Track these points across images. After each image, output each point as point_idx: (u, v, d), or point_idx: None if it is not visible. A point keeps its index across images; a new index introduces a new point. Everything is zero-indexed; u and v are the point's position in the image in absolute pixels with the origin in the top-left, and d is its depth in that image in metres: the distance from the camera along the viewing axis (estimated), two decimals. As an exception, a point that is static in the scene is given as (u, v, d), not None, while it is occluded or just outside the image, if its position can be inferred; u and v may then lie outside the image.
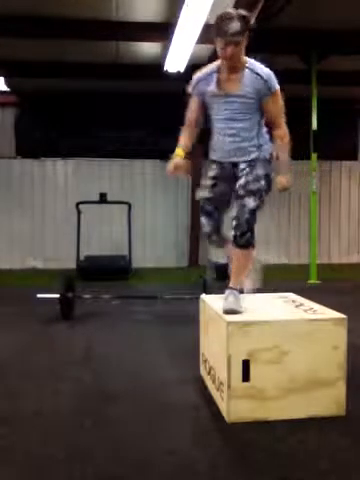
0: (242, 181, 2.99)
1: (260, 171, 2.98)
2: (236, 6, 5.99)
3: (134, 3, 6.21)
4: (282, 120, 3.02)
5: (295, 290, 3.60)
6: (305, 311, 2.91)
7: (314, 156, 7.78)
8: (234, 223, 2.95)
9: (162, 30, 6.58)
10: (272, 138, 3.07)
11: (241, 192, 2.97)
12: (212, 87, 2.95)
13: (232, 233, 2.97)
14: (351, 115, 10.86)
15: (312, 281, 7.92)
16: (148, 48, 7.58)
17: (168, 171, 3.10)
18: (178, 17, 5.70)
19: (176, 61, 7.19)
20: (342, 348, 2.73)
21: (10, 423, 2.71)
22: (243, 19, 2.72)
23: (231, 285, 3.04)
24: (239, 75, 2.88)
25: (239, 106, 2.93)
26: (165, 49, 7.10)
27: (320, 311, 2.91)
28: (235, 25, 2.70)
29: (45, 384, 3.31)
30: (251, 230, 2.96)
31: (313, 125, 7.77)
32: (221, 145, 3.08)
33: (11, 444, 2.46)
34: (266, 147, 3.06)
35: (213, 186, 3.16)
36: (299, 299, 3.29)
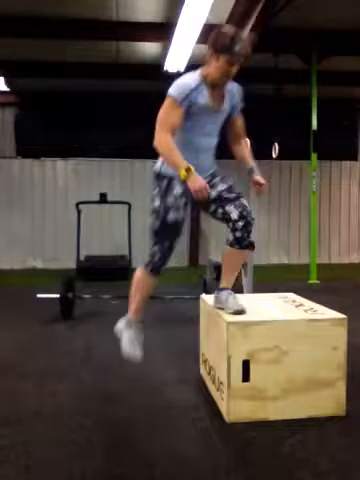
0: (224, 186, 2.92)
1: (229, 180, 2.98)
2: (236, 6, 6.00)
3: (134, 3, 6.21)
4: (244, 132, 3.08)
5: (295, 290, 3.60)
6: (305, 311, 2.91)
7: (314, 156, 7.78)
8: (241, 224, 2.81)
9: (162, 30, 6.58)
10: (237, 149, 3.07)
11: (231, 195, 2.88)
12: (205, 100, 2.77)
13: (238, 234, 2.83)
14: (351, 115, 10.87)
15: (312, 281, 7.91)
16: (148, 48, 7.58)
17: (202, 192, 2.66)
18: (178, 17, 5.70)
19: (176, 61, 7.18)
20: (342, 348, 2.73)
21: (10, 423, 2.71)
22: (248, 40, 2.88)
23: (228, 286, 3.01)
24: (222, 91, 2.85)
25: (220, 122, 2.92)
26: (165, 49, 7.09)
27: (320, 311, 2.91)
28: (249, 48, 2.72)
29: (45, 384, 3.31)
30: (250, 232, 2.91)
31: (313, 125, 7.77)
32: (193, 160, 2.75)
33: (11, 444, 2.46)
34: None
35: (185, 205, 2.92)
36: (299, 299, 3.29)
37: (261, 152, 9.54)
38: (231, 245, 2.90)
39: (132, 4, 6.23)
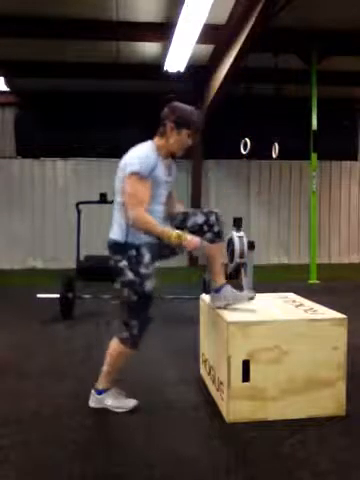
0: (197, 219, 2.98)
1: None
2: (236, 6, 6.01)
3: (134, 3, 6.21)
4: None
5: (295, 290, 3.60)
6: (305, 311, 2.91)
7: (314, 156, 7.78)
8: (213, 219, 2.94)
9: (162, 30, 6.59)
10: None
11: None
12: (163, 172, 2.84)
13: (216, 229, 2.93)
14: (351, 115, 10.87)
15: (312, 281, 7.91)
16: (148, 48, 7.59)
17: (201, 249, 2.86)
18: (178, 17, 5.71)
19: (176, 61, 7.19)
20: (342, 348, 2.73)
21: (10, 423, 2.71)
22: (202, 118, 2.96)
23: (224, 281, 3.05)
24: (170, 162, 2.95)
25: (168, 191, 2.97)
26: (165, 49, 7.10)
27: (320, 311, 2.91)
28: (201, 121, 2.97)
29: (45, 384, 3.31)
30: None
31: (313, 125, 7.77)
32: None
33: (11, 444, 2.47)
34: None
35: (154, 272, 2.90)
36: (299, 299, 3.29)
37: (261, 152, 9.68)
38: (216, 238, 2.97)
39: (132, 4, 6.23)
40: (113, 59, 8.01)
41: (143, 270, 2.77)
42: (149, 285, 2.81)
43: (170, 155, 2.92)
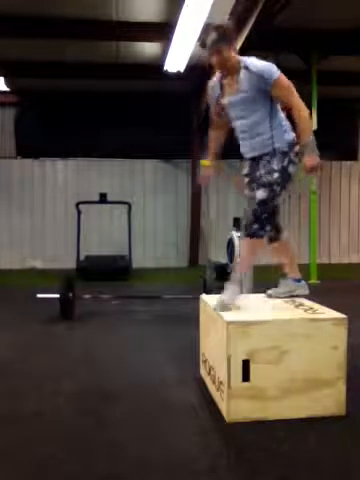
0: (257, 174, 3.11)
1: (275, 164, 3.04)
2: (236, 6, 6.01)
3: (134, 3, 6.21)
4: (294, 100, 3.00)
5: (295, 290, 3.59)
6: (305, 311, 2.91)
7: (314, 156, 7.76)
8: (244, 214, 3.20)
9: (162, 30, 6.59)
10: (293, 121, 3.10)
11: (254, 185, 3.12)
12: (218, 92, 3.17)
13: (243, 222, 3.12)
14: (351, 115, 10.87)
15: (312, 281, 7.91)
16: (148, 48, 7.59)
17: (199, 183, 3.61)
18: (178, 17, 5.71)
19: (176, 61, 7.19)
20: (342, 348, 2.73)
21: (10, 423, 2.71)
22: (218, 29, 2.94)
23: (291, 273, 3.35)
24: (235, 77, 3.03)
25: (242, 105, 3.06)
26: (165, 49, 7.10)
27: (320, 311, 2.91)
28: (212, 36, 2.94)
29: (45, 384, 3.31)
30: (258, 221, 3.00)
31: (313, 125, 7.76)
32: (241, 142, 3.24)
33: (11, 444, 2.46)
34: (283, 138, 3.07)
35: (249, 182, 3.24)
36: (299, 299, 3.29)
37: (261, 152, 9.66)
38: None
39: (132, 4, 6.23)
40: (113, 59, 8.01)
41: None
42: (246, 192, 3.29)
43: (222, 72, 3.13)
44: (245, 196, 3.27)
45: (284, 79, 2.98)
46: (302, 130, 3.01)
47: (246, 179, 3.27)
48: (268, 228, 3.04)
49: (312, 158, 2.99)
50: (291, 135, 3.09)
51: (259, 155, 3.11)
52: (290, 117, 3.07)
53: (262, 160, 3.08)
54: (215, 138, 3.46)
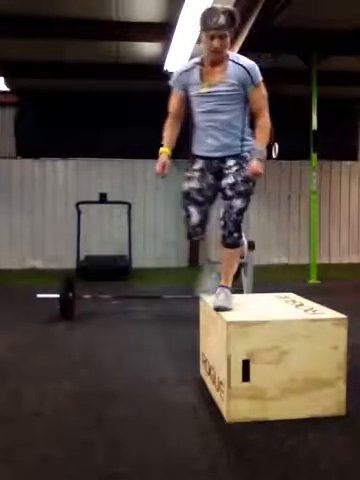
0: (230, 180, 2.99)
1: (248, 172, 2.97)
2: (236, 6, 6.00)
3: (134, 3, 6.21)
4: (266, 109, 3.00)
5: (295, 290, 3.60)
6: (305, 311, 2.91)
7: (314, 156, 7.78)
8: (222, 223, 3.02)
9: (162, 30, 6.58)
10: (253, 127, 3.06)
11: (229, 193, 2.99)
12: (195, 79, 2.97)
13: (220, 233, 3.03)
14: (351, 115, 10.86)
15: (312, 281, 7.91)
16: (148, 48, 7.58)
17: (157, 172, 3.22)
18: (178, 17, 5.70)
19: (176, 61, 7.18)
20: (342, 348, 2.73)
21: (10, 423, 2.71)
22: (229, 13, 2.81)
23: (222, 283, 3.13)
24: (222, 67, 2.93)
25: (222, 97, 2.94)
26: (165, 49, 7.09)
27: (320, 311, 2.91)
28: (221, 19, 2.78)
29: (45, 384, 3.31)
30: (238, 230, 3.03)
31: (313, 125, 7.76)
32: (204, 139, 3.06)
33: (11, 444, 2.46)
34: (250, 143, 3.04)
35: (201, 178, 3.11)
36: (299, 299, 3.29)
37: (261, 152, 9.67)
38: (221, 242, 3.10)
39: (132, 4, 6.23)
40: (113, 59, 8.00)
41: (188, 173, 3.16)
42: (190, 184, 3.22)
43: (214, 58, 2.93)
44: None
45: (263, 86, 3.01)
46: (262, 138, 2.99)
47: (198, 173, 3.12)
48: (243, 235, 3.12)
49: (259, 165, 2.94)
50: (252, 142, 3.05)
51: (225, 156, 3.03)
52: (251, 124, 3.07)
53: (230, 163, 3.01)
54: (172, 131, 3.22)
